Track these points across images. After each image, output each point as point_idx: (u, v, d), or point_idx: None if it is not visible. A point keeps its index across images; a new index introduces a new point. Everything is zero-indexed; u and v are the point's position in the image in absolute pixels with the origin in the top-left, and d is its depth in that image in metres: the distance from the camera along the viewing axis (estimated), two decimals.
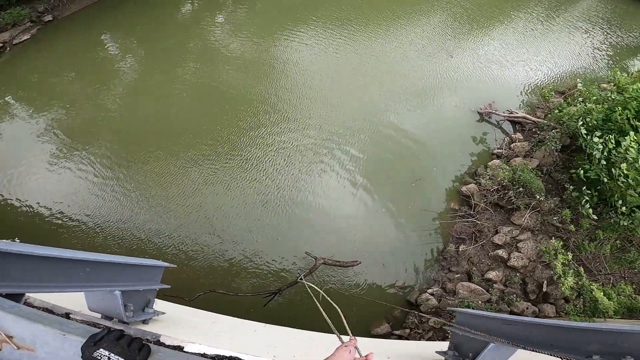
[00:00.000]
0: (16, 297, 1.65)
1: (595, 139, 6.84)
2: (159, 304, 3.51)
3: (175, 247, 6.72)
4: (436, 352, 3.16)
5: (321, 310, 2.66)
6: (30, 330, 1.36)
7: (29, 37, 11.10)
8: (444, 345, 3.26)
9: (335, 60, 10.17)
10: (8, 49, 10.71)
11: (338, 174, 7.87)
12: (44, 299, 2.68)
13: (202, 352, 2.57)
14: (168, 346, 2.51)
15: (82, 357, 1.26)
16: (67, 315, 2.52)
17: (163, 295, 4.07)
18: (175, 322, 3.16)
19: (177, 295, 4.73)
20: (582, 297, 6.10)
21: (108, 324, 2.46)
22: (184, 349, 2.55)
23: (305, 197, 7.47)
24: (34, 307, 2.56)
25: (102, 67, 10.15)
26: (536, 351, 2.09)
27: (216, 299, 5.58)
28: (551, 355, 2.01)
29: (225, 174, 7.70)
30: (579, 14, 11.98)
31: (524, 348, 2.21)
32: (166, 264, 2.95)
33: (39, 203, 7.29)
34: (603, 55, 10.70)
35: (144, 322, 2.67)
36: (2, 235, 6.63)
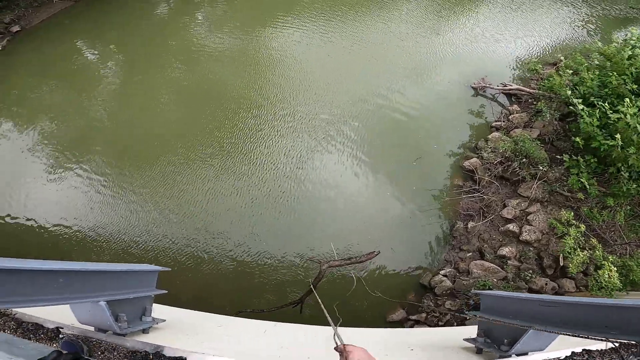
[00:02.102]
0: None
1: (580, 106, 6.63)
2: (161, 309, 3.26)
3: (195, 256, 6.35)
4: (464, 339, 2.84)
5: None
6: None
7: None
8: (471, 331, 2.92)
9: (330, 45, 9.81)
10: None
11: (339, 159, 7.49)
12: (33, 313, 2.50)
13: None
14: (169, 358, 2.15)
15: None
16: (57, 330, 2.36)
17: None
18: (180, 329, 2.96)
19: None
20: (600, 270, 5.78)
21: (102, 336, 2.30)
22: None
23: (307, 187, 7.13)
24: (23, 322, 2.42)
25: (83, 74, 9.52)
26: (589, 337, 1.72)
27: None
28: (607, 340, 1.69)
29: (229, 174, 7.33)
30: None
31: (574, 335, 1.86)
32: (159, 268, 2.76)
33: (45, 219, 6.86)
34: (595, 29, 10.65)
35: (144, 331, 2.52)
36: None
